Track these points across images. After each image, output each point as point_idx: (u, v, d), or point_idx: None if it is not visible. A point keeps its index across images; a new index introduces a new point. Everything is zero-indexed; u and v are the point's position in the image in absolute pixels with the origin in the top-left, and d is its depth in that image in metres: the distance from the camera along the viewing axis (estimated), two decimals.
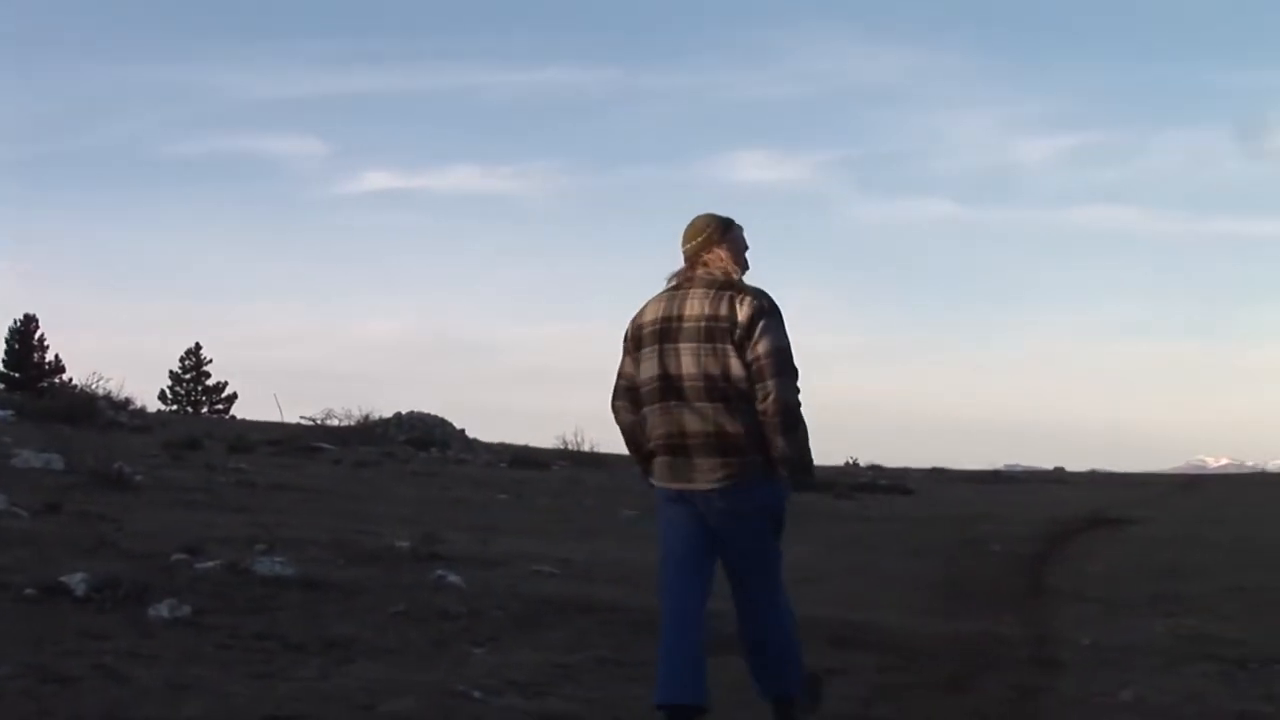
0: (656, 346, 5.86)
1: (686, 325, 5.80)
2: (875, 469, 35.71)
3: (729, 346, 5.71)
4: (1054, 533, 17.31)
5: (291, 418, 35.08)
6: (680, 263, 6.00)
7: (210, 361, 54.79)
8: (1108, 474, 43.20)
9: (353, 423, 33.58)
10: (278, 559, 9.43)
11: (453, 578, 9.52)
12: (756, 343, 5.68)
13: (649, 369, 5.89)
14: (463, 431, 34.52)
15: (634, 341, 6.00)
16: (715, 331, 5.73)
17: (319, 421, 34.08)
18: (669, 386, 5.82)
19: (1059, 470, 43.18)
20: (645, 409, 5.93)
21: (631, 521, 17.19)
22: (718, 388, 5.73)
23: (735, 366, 5.70)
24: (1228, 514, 22.42)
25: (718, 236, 5.94)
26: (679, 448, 5.81)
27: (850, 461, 38.53)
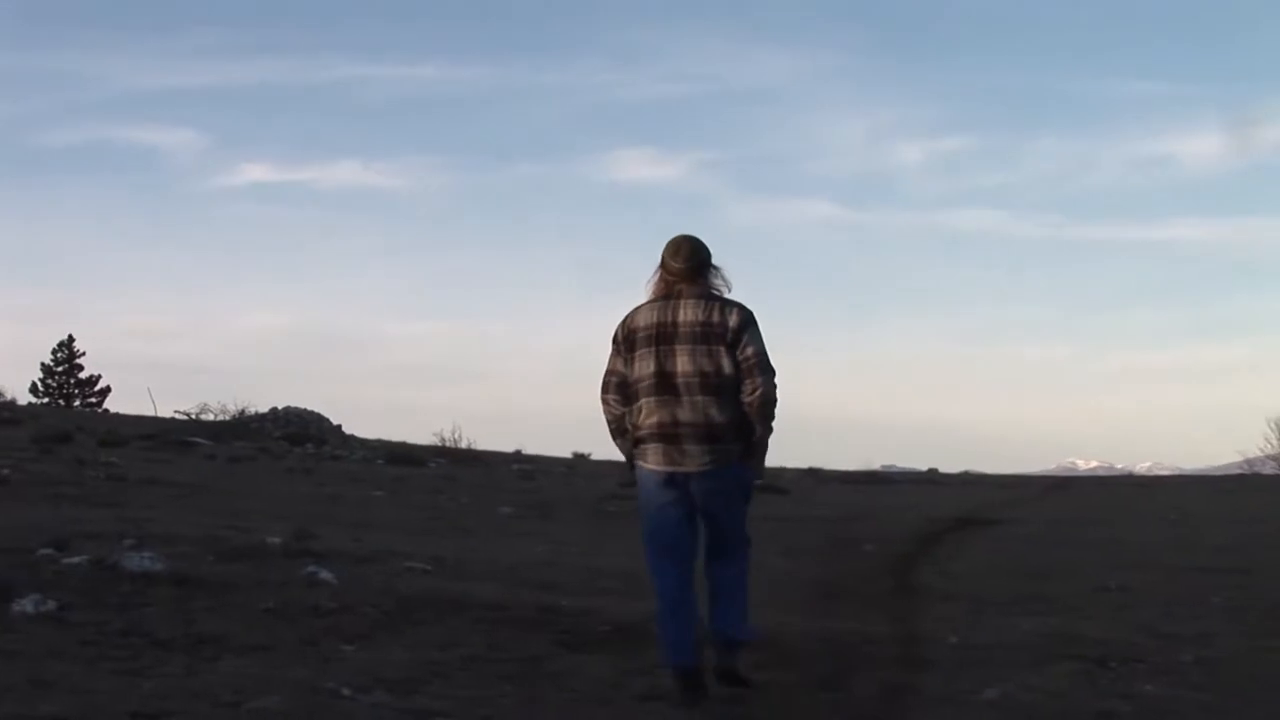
0: (653, 348, 6.91)
1: (682, 329, 6.87)
2: None
3: (721, 348, 6.82)
4: (925, 533, 17.53)
5: (166, 412, 34.73)
6: (652, 268, 7.08)
7: (84, 354, 53.85)
8: (981, 475, 43.68)
9: (228, 417, 33.27)
10: (146, 555, 9.29)
11: (325, 574, 9.44)
12: (746, 346, 6.83)
13: (645, 367, 6.92)
14: (340, 427, 34.32)
15: (626, 344, 7.04)
16: (710, 335, 6.83)
17: (194, 416, 33.76)
18: (665, 382, 6.87)
19: (933, 471, 43.57)
20: (640, 401, 6.94)
21: (507, 519, 17.18)
22: (710, 383, 6.82)
23: (726, 365, 6.82)
24: (1095, 515, 22.84)
25: (710, 260, 7.02)
26: (672, 435, 6.86)
27: None
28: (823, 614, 9.35)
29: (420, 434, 38.63)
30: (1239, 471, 50.01)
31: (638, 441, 6.98)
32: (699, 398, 6.81)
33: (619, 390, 7.09)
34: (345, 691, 6.34)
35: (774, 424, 6.99)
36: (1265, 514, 22.44)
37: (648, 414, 6.90)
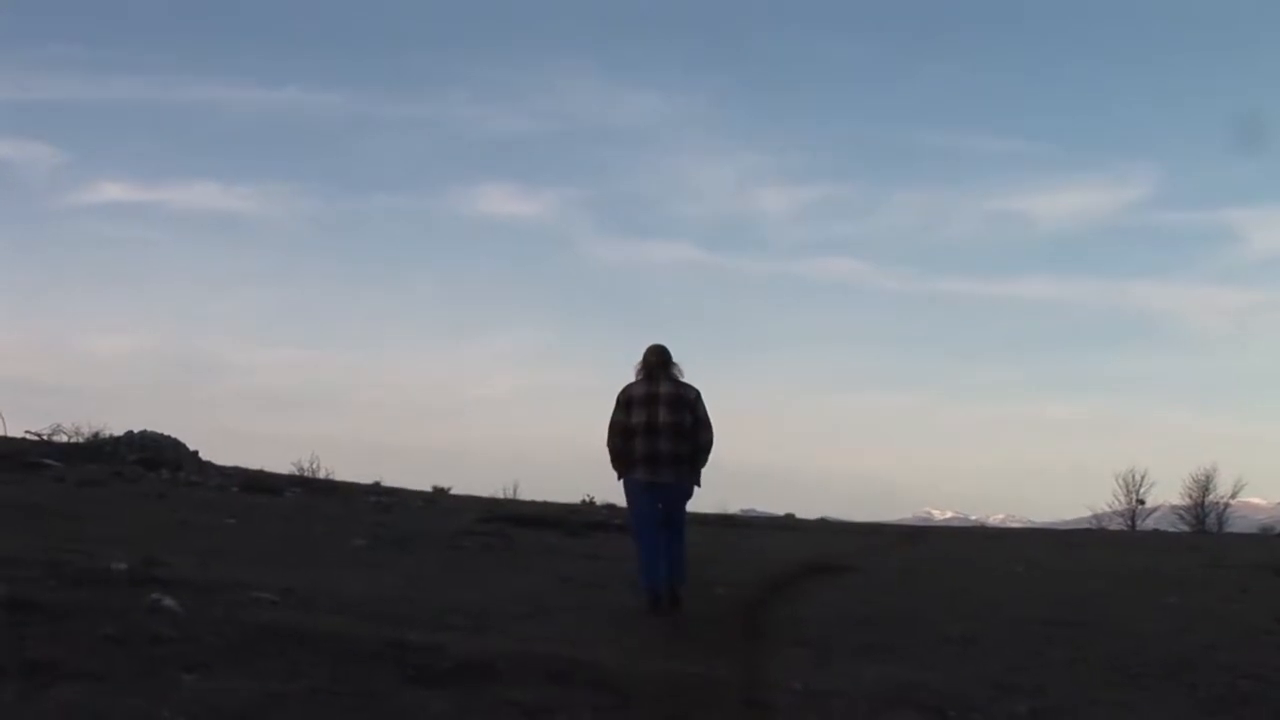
0: (645, 407, 12.12)
1: (663, 397, 12.18)
2: (610, 508, 35.82)
3: (685, 410, 12.19)
4: (777, 578, 17.65)
5: (16, 432, 33.94)
6: (637, 357, 12.54)
7: None
8: (837, 522, 44.04)
9: (81, 440, 32.60)
10: None
11: (168, 602, 9.30)
12: (699, 412, 12.30)
13: (640, 418, 12.11)
14: (196, 453, 33.74)
15: (626, 404, 12.20)
16: (680, 402, 12.22)
17: (45, 437, 33.03)
18: (652, 428, 12.11)
19: (790, 516, 43.75)
20: (637, 438, 12.08)
21: (361, 550, 17.04)
22: (679, 430, 12.18)
23: (688, 420, 12.21)
24: (945, 566, 23.13)
25: (671, 358, 12.43)
26: (655, 460, 12.13)
27: (586, 500, 38.44)
28: (670, 655, 9.39)
29: (279, 462, 38.16)
30: (1087, 525, 51.05)
31: (633, 464, 12.13)
32: (672, 437, 12.08)
33: (622, 433, 12.13)
34: None
35: (710, 456, 12.36)
36: (1108, 568, 22.89)
37: (640, 446, 12.06)
